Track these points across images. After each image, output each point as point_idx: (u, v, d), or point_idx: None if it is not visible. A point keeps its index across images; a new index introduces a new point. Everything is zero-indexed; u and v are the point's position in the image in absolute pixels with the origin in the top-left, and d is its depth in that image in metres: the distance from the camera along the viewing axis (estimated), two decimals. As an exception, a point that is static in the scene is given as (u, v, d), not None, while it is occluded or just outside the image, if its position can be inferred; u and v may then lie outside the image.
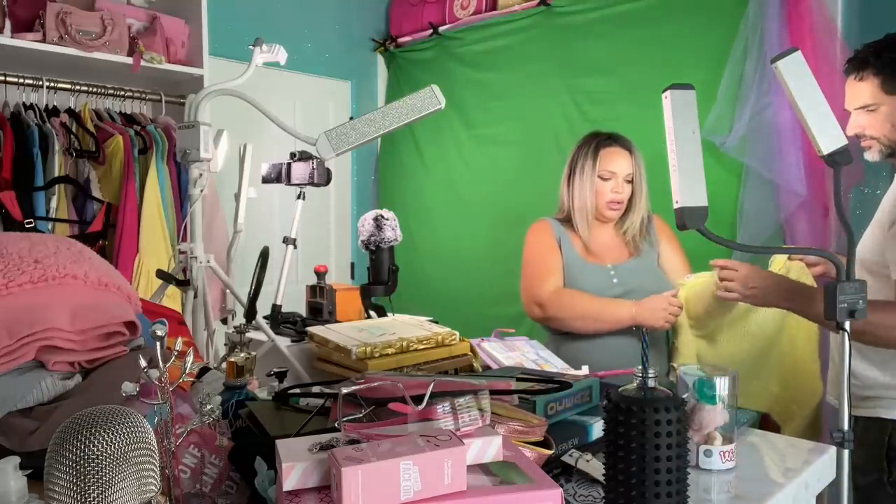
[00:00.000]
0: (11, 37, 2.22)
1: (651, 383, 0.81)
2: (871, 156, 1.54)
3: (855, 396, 1.56)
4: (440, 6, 3.31)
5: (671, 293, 1.75)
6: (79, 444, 0.61)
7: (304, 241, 3.11)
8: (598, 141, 1.89)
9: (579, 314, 1.79)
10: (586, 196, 1.87)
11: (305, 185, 1.82)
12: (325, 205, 3.52)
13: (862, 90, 1.52)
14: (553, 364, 1.50)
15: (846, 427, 0.99)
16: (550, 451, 0.95)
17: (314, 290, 1.85)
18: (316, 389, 1.13)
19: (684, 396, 1.02)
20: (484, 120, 3.17)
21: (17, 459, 0.74)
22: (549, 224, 1.94)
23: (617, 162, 1.86)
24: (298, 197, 1.86)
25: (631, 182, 1.88)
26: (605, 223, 1.93)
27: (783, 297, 1.50)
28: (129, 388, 0.77)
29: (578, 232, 1.90)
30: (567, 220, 1.93)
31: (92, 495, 0.61)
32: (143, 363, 0.74)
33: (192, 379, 1.13)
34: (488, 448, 0.75)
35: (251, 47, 1.67)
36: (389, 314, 1.67)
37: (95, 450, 0.61)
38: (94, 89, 2.53)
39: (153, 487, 0.65)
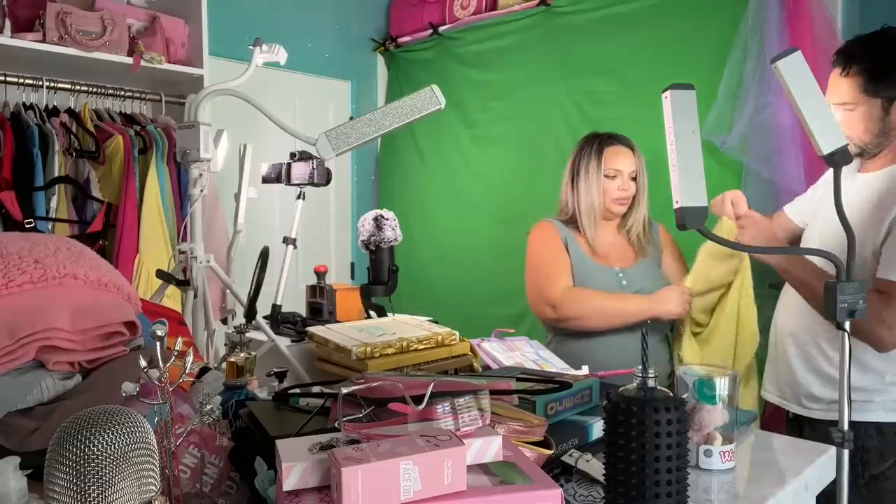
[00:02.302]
0: (11, 37, 2.22)
1: (651, 383, 0.81)
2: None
3: (823, 400, 1.58)
4: (440, 6, 3.31)
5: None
6: (79, 444, 0.61)
7: (304, 241, 3.11)
8: (601, 140, 1.90)
9: (594, 312, 1.80)
10: (594, 196, 1.88)
11: (305, 185, 1.82)
12: (325, 205, 3.52)
13: (844, 87, 1.52)
14: (553, 364, 1.50)
15: (846, 427, 0.99)
16: (550, 451, 0.95)
17: (314, 290, 1.85)
18: (316, 389, 1.13)
19: (684, 396, 1.02)
20: (484, 120, 3.17)
21: (17, 459, 0.74)
22: (553, 225, 1.94)
23: (621, 160, 1.88)
24: (298, 197, 1.86)
25: (635, 179, 1.89)
26: (609, 222, 1.93)
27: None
28: (129, 388, 0.77)
29: (585, 232, 1.90)
30: (570, 221, 1.93)
31: (92, 495, 0.61)
32: (143, 363, 0.74)
33: (192, 379, 1.13)
34: (488, 448, 0.75)
35: (251, 47, 1.67)
36: (389, 314, 1.67)
37: (95, 450, 0.61)
38: (94, 89, 2.53)
39: (153, 487, 0.65)
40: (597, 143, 1.90)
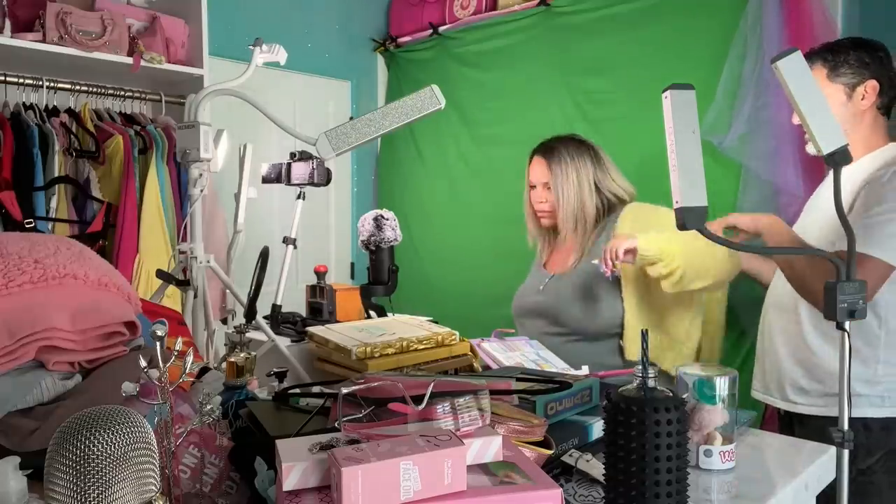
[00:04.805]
0: (11, 37, 2.22)
1: (651, 383, 0.81)
2: (811, 149, 1.61)
3: (809, 393, 1.62)
4: (440, 6, 3.31)
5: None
6: (79, 444, 0.61)
7: (304, 241, 3.10)
8: (533, 150, 1.97)
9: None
10: (525, 207, 2.00)
11: (305, 185, 1.82)
12: (325, 205, 3.52)
13: None
14: (553, 364, 1.50)
15: (846, 427, 0.99)
16: (550, 451, 0.95)
17: (314, 290, 1.85)
18: (316, 389, 1.13)
19: (684, 396, 1.02)
20: (484, 120, 3.17)
21: (17, 459, 0.74)
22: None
23: (535, 171, 1.93)
24: (298, 197, 1.86)
25: (551, 189, 1.89)
26: (555, 230, 1.96)
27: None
28: (129, 388, 0.77)
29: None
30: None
31: (92, 495, 0.61)
32: (143, 363, 0.74)
33: (192, 379, 1.13)
34: (488, 448, 0.75)
35: (251, 47, 1.66)
36: (389, 314, 1.67)
37: (95, 450, 0.61)
38: (94, 89, 2.53)
39: (153, 487, 0.65)
40: (531, 151, 1.96)
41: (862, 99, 1.60)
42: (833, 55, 1.61)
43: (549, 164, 1.89)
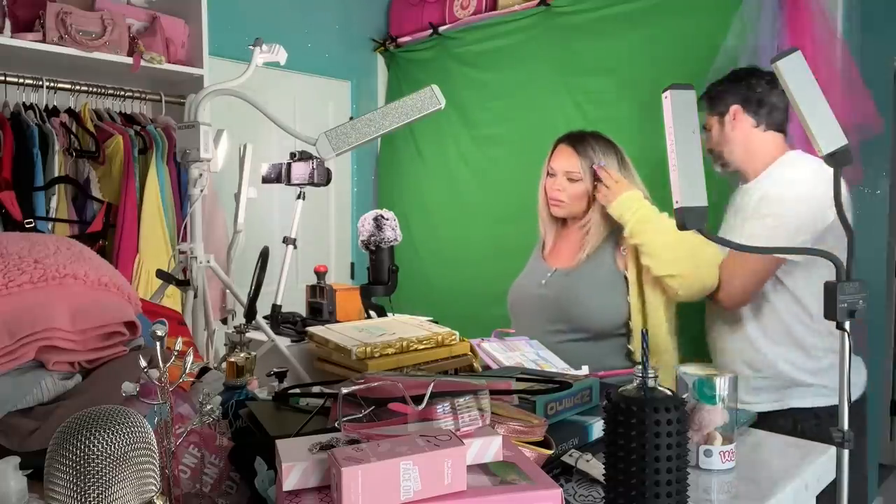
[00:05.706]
0: (11, 37, 2.22)
1: (651, 383, 0.81)
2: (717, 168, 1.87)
3: (766, 390, 1.72)
4: (440, 6, 3.31)
5: None
6: (79, 444, 0.61)
7: (304, 241, 3.10)
8: (561, 137, 1.91)
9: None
10: (539, 192, 1.93)
11: (305, 185, 1.82)
12: (325, 205, 3.52)
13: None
14: (553, 364, 1.50)
15: (846, 427, 0.99)
16: (550, 451, 0.95)
17: (314, 290, 1.85)
18: (316, 389, 1.13)
19: (684, 396, 1.02)
20: (484, 120, 3.17)
21: (17, 459, 0.74)
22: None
23: (560, 159, 1.86)
24: (298, 197, 1.86)
25: (576, 182, 1.84)
26: (566, 223, 1.94)
27: None
28: (129, 388, 0.77)
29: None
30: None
31: (92, 495, 0.61)
32: (143, 363, 0.74)
33: (192, 379, 1.13)
34: (488, 448, 0.75)
35: (251, 47, 1.67)
36: (389, 314, 1.67)
37: (95, 450, 0.61)
38: (94, 89, 2.53)
39: (153, 487, 0.65)
40: (557, 139, 1.91)
41: (734, 119, 1.78)
42: (707, 92, 1.84)
43: (578, 155, 1.84)
